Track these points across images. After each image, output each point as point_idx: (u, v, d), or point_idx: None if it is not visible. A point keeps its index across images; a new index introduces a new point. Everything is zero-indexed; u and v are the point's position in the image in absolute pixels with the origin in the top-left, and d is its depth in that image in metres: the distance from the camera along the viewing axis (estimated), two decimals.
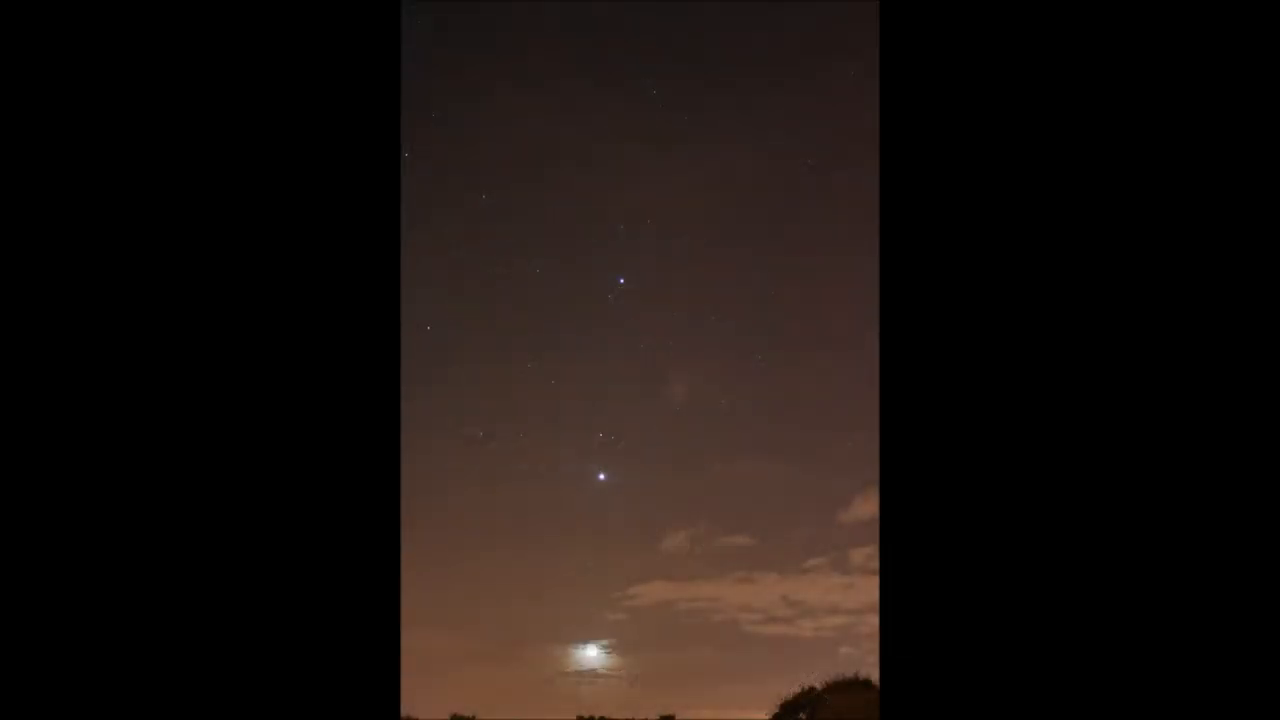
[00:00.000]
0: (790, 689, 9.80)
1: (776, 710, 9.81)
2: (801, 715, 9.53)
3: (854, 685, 9.38)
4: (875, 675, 8.91)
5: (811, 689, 9.65)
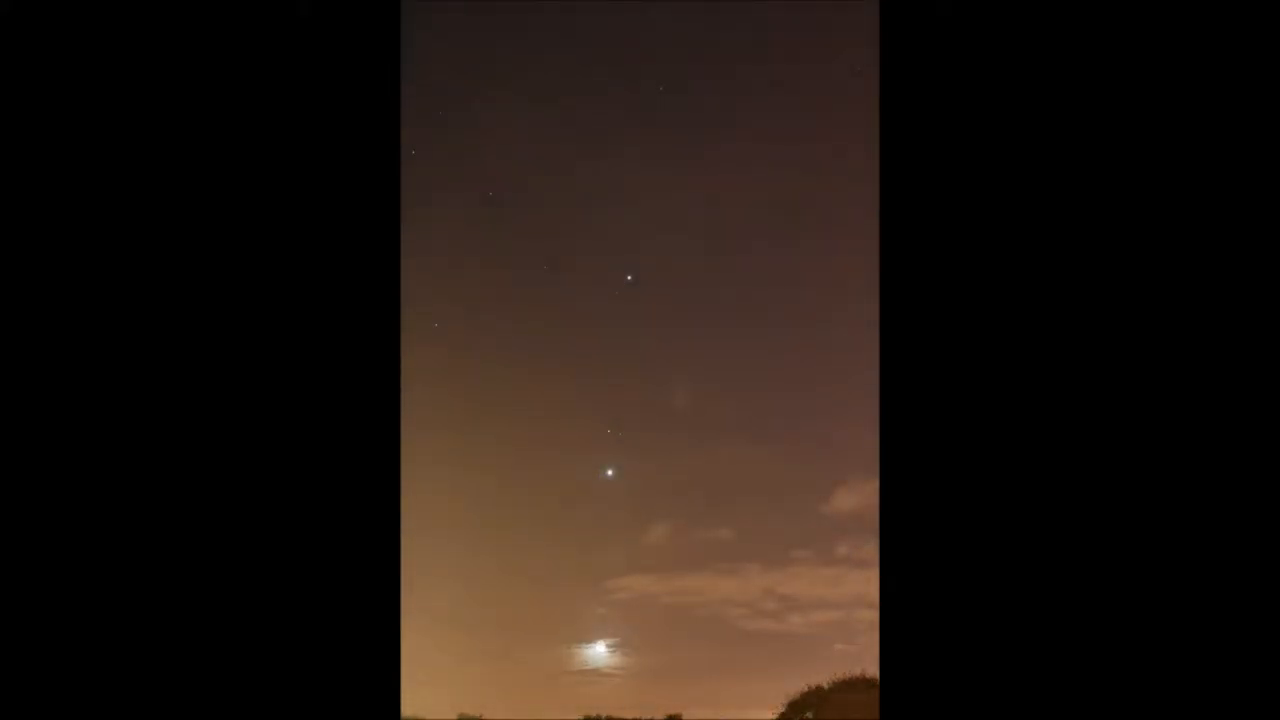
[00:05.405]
0: (796, 688, 9.81)
1: (783, 709, 9.81)
2: (808, 714, 9.53)
3: (860, 684, 9.38)
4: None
5: (818, 688, 9.66)
